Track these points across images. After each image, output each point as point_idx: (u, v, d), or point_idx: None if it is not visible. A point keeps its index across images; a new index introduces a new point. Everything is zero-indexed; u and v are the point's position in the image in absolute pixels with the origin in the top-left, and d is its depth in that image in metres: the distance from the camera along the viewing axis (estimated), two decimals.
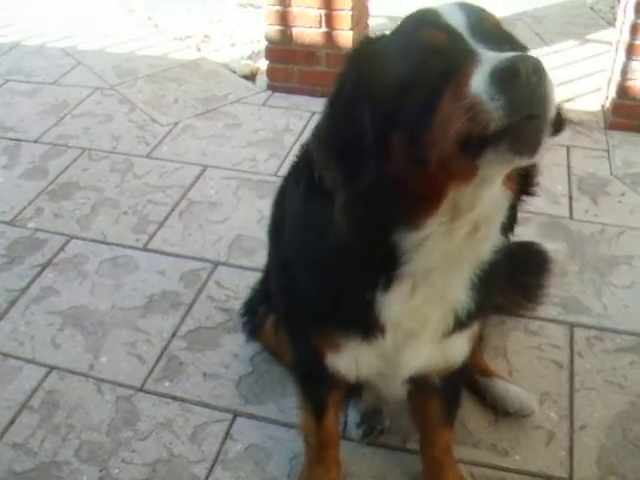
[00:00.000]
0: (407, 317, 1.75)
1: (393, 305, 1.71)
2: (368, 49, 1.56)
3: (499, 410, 2.60)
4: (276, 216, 2.14)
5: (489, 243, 1.63)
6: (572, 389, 2.69)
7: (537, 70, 1.25)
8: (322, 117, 1.59)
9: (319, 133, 1.60)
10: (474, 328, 1.93)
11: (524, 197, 1.63)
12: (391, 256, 1.59)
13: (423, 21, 1.49)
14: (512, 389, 2.63)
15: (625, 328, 2.94)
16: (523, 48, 1.53)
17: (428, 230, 1.52)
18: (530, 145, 1.31)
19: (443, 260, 1.59)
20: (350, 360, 1.89)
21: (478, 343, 2.31)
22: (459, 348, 1.95)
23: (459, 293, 1.72)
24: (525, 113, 1.26)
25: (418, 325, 1.78)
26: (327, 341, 1.89)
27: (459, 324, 1.81)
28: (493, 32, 1.45)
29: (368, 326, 1.78)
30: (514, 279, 2.78)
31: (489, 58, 1.30)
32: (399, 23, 1.57)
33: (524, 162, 1.37)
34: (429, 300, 1.72)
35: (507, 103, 1.24)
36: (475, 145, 1.31)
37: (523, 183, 1.58)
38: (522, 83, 1.23)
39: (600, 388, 2.69)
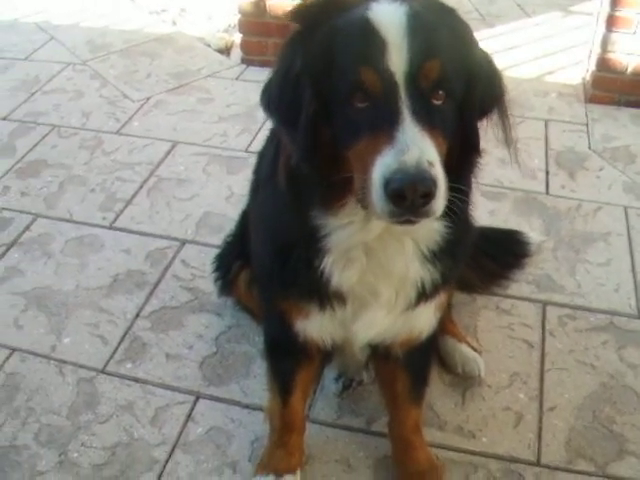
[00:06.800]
0: (355, 287, 1.79)
1: (336, 274, 1.76)
2: (313, 31, 1.54)
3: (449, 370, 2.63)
4: (254, 180, 2.20)
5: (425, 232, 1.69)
6: (542, 369, 2.64)
7: (427, 194, 1.37)
8: (272, 79, 1.64)
9: (270, 92, 1.64)
10: (441, 298, 1.94)
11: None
12: (315, 229, 1.68)
13: (362, 55, 1.47)
14: (461, 350, 2.62)
15: (599, 306, 2.89)
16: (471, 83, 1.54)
17: (342, 220, 1.64)
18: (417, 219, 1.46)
19: (367, 244, 1.70)
20: (314, 325, 1.93)
21: (446, 312, 2.37)
22: (425, 319, 1.96)
23: (411, 269, 1.75)
24: (407, 218, 1.43)
25: (369, 296, 1.81)
26: (291, 306, 1.92)
27: (423, 296, 1.83)
28: (430, 77, 1.45)
29: (321, 292, 1.82)
30: (480, 262, 2.75)
31: (401, 145, 1.38)
32: (345, 19, 1.52)
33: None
34: (373, 274, 1.76)
35: (390, 210, 1.40)
36: None
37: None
38: (406, 204, 1.38)
39: (571, 368, 2.65)
